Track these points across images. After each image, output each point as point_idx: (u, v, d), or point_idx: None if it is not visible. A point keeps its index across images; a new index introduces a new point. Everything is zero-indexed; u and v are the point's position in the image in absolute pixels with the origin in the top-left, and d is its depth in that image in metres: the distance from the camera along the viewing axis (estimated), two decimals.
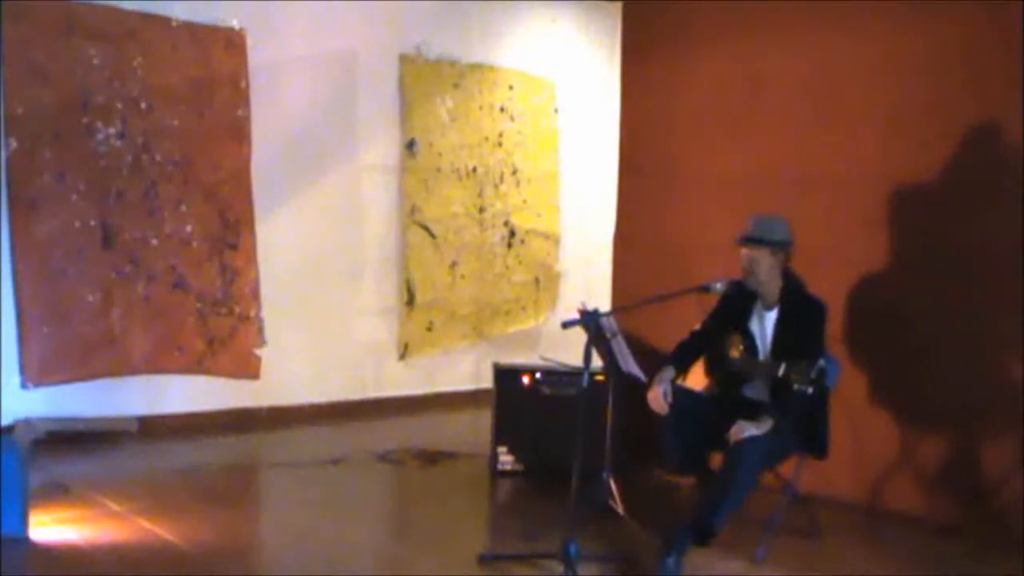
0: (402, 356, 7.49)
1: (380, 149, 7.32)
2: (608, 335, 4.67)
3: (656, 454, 4.71)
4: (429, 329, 7.60)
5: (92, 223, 6.02)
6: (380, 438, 6.36)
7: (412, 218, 7.46)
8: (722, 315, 4.60)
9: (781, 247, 4.40)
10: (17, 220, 5.80)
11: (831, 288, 4.72)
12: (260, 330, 6.69)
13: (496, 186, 7.93)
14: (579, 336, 4.32)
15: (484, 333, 7.91)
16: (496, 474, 5.55)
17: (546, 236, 8.30)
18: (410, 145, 7.41)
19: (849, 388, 4.88)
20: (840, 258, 5.10)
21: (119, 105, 6.07)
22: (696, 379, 4.70)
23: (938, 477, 4.92)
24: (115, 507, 4.73)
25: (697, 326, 4.67)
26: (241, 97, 6.55)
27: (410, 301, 7.48)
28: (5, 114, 5.72)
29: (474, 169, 7.79)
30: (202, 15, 6.37)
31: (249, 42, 6.55)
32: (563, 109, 8.32)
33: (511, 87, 7.98)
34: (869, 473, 5.09)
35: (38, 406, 5.87)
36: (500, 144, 7.94)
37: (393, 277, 7.43)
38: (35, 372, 5.87)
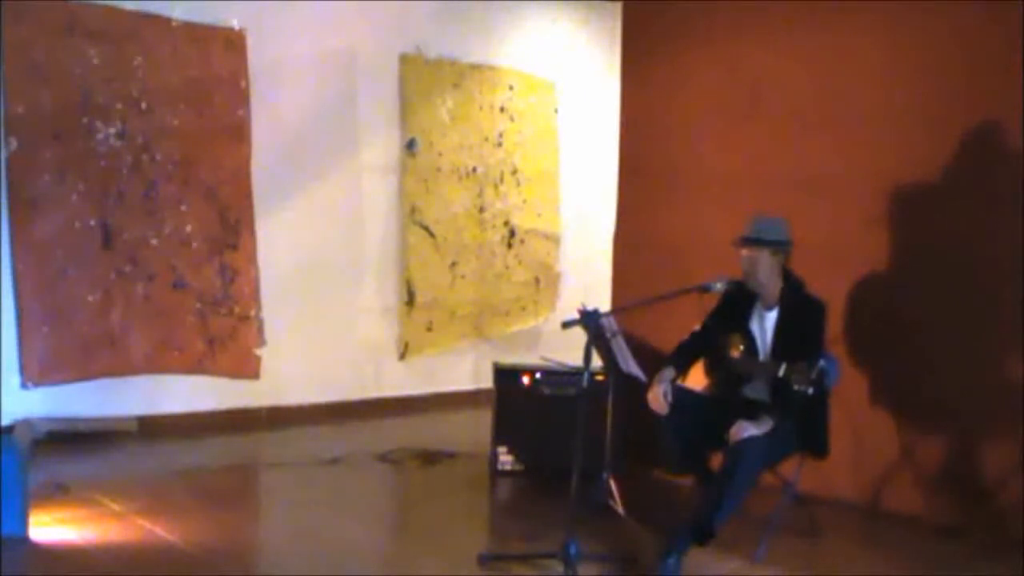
0: (402, 356, 7.49)
1: (380, 149, 7.32)
2: (608, 335, 4.68)
3: (656, 454, 4.71)
4: (429, 329, 7.60)
5: (92, 223, 6.02)
6: (380, 438, 6.36)
7: (412, 218, 7.46)
8: (722, 315, 4.60)
9: (780, 247, 4.40)
10: (17, 220, 5.80)
11: (831, 288, 4.72)
12: (260, 330, 6.69)
13: (496, 186, 7.93)
14: (579, 336, 4.32)
15: (484, 333, 7.91)
16: (496, 474, 5.56)
17: (546, 236, 8.29)
18: (410, 145, 7.41)
19: (849, 388, 4.88)
20: (840, 258, 5.10)
21: (119, 105, 6.07)
22: (696, 379, 4.70)
23: (938, 477, 4.92)
24: (115, 507, 4.73)
25: (697, 326, 4.67)
26: (241, 97, 6.55)
27: (410, 301, 7.48)
28: (5, 114, 5.72)
29: (474, 169, 7.79)
30: (202, 15, 6.36)
31: (249, 42, 6.54)
32: (563, 109, 8.32)
33: (511, 87, 7.98)
34: (869, 473, 5.09)
35: (38, 406, 5.87)
36: (500, 144, 7.94)
37: (393, 277, 7.43)
38: (35, 372, 5.87)
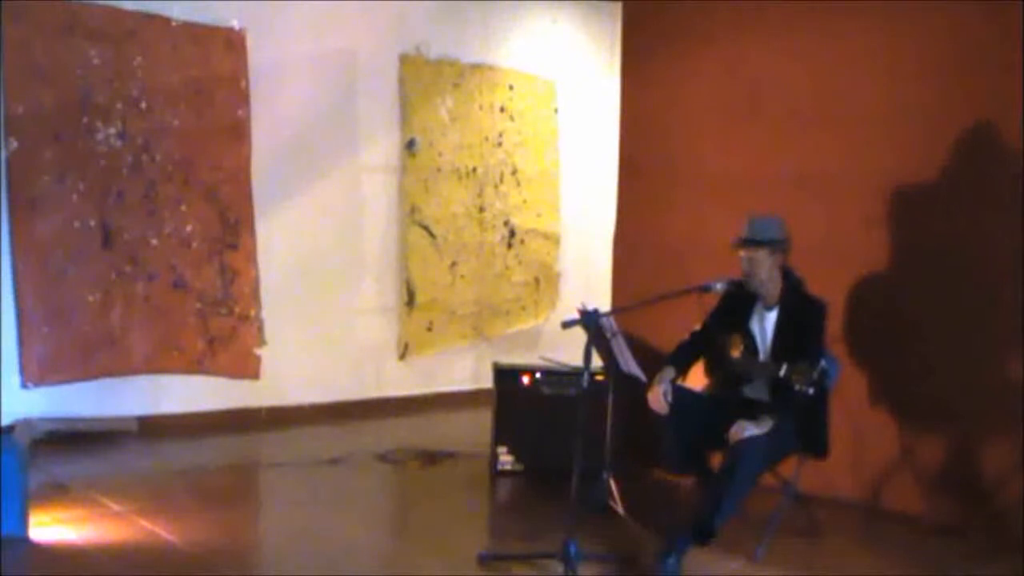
0: (402, 356, 7.49)
1: (380, 149, 7.32)
2: (608, 335, 4.67)
3: (656, 454, 4.71)
4: (429, 329, 7.60)
5: (92, 223, 6.02)
6: (380, 438, 6.36)
7: (412, 218, 7.46)
8: (722, 315, 4.60)
9: (779, 246, 4.40)
10: (17, 220, 5.80)
11: (831, 288, 4.72)
12: (260, 330, 6.69)
13: (496, 186, 7.93)
14: (579, 336, 4.32)
15: (484, 333, 7.92)
16: (496, 474, 5.55)
17: (546, 236, 8.30)
18: (410, 145, 7.41)
19: (849, 388, 4.88)
20: (840, 258, 5.10)
21: (119, 105, 6.08)
22: (696, 379, 4.70)
23: (938, 477, 4.92)
24: (115, 507, 4.73)
25: (697, 326, 4.67)
26: (241, 97, 6.55)
27: (410, 301, 7.48)
28: (5, 114, 5.72)
29: (474, 169, 7.79)
30: (202, 15, 6.37)
31: (249, 42, 6.55)
32: (563, 109, 8.32)
33: (511, 87, 7.98)
34: (869, 473, 5.09)
35: (38, 406, 5.87)
36: (500, 144, 7.94)
37: (393, 277, 7.43)
38: (35, 372, 5.87)
